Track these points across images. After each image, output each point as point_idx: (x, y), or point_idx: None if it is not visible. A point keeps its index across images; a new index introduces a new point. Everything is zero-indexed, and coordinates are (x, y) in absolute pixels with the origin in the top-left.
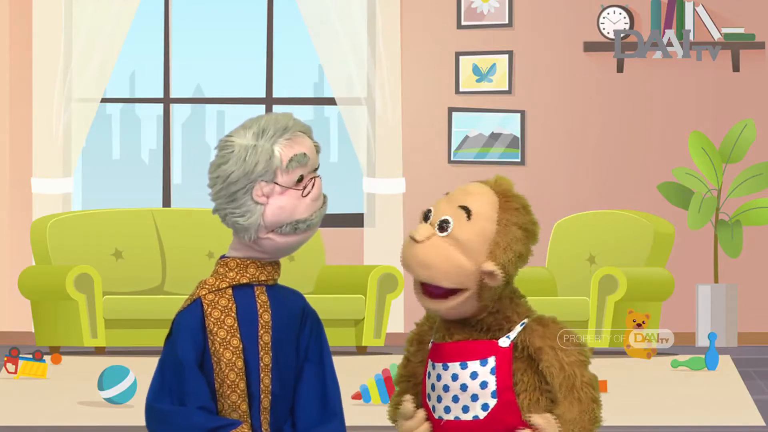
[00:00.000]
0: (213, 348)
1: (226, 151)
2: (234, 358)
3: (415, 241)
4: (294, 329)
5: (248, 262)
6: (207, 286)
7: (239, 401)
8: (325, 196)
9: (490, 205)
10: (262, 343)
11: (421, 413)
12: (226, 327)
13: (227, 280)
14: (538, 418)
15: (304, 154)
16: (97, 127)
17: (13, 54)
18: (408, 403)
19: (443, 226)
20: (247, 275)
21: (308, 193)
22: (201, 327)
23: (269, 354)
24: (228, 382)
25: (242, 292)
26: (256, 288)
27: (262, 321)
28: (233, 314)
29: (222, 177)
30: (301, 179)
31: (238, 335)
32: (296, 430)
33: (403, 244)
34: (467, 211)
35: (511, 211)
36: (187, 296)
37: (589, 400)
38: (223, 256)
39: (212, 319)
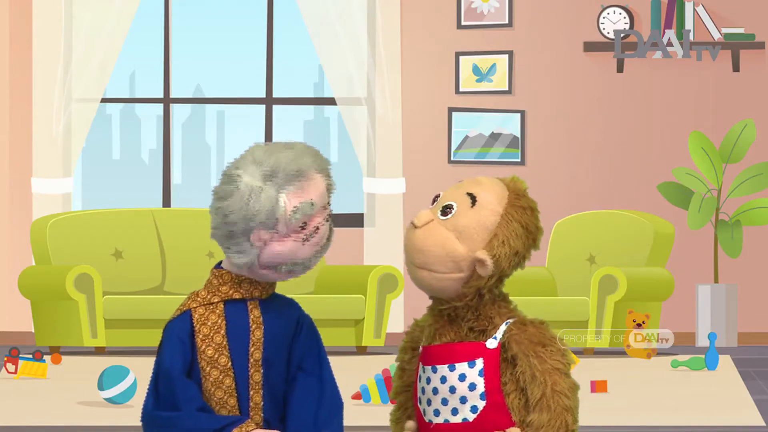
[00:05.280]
0: (201, 365)
1: (230, 186)
2: (222, 377)
3: (415, 226)
4: (287, 342)
5: (243, 277)
6: (198, 299)
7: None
8: (331, 229)
9: (498, 199)
10: (252, 360)
11: None
12: (214, 345)
13: (219, 294)
14: None
15: (311, 203)
16: (97, 127)
17: (13, 54)
18: None
19: (446, 210)
20: (241, 290)
21: (308, 241)
22: (189, 338)
23: (260, 371)
24: (215, 399)
25: (234, 307)
26: (249, 303)
27: (253, 338)
28: (222, 332)
29: (221, 212)
30: (305, 225)
31: (227, 353)
32: None
33: (406, 229)
34: (473, 198)
35: (517, 208)
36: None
37: (561, 408)
38: (218, 265)
39: (201, 336)
